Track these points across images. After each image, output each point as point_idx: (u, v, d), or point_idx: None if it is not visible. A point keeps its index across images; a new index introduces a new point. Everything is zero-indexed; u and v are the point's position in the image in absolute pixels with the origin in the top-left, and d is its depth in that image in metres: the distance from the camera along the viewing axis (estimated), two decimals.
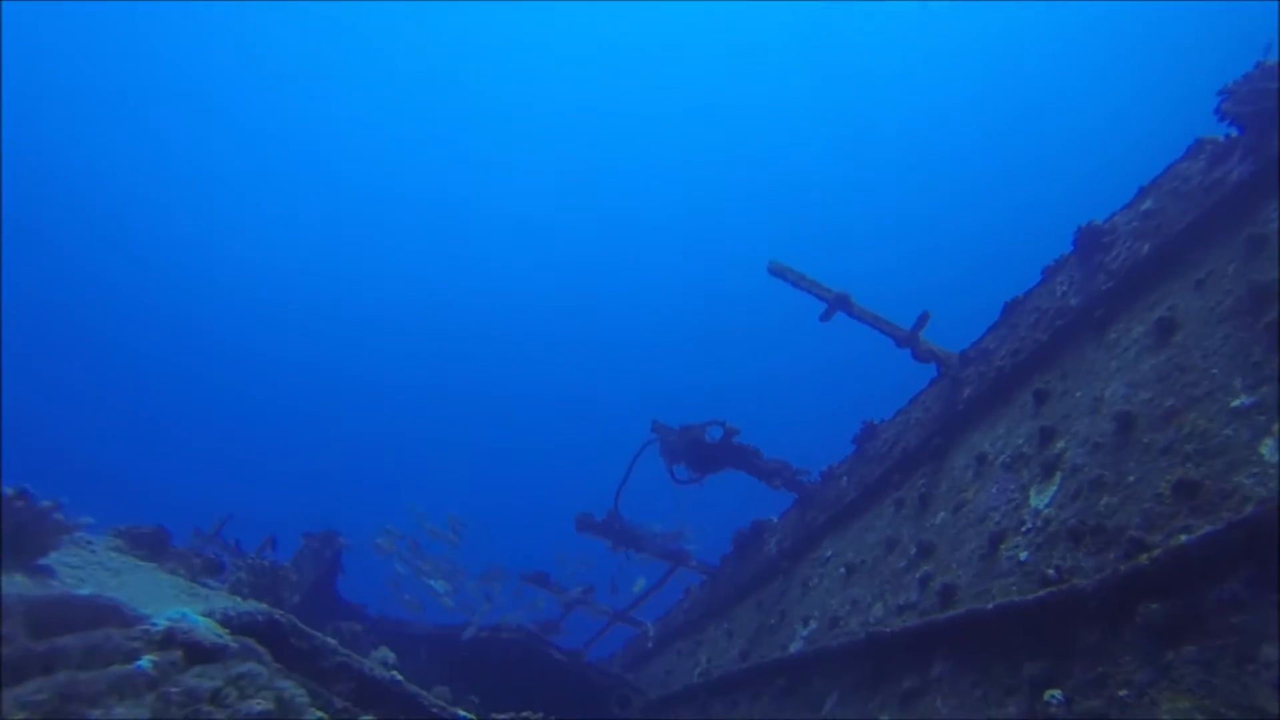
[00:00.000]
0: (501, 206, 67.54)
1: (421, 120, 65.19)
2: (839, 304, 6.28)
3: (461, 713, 3.75)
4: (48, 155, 57.17)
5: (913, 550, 5.52)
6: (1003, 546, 4.36)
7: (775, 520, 9.05)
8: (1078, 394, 4.40)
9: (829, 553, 7.24)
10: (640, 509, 10.64)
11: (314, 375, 66.06)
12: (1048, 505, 4.10)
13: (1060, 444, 4.31)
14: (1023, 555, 4.08)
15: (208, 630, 1.83)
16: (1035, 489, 4.33)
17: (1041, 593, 3.54)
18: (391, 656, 3.80)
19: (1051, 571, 3.66)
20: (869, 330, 6.92)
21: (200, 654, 1.72)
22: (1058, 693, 3.28)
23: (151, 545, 3.46)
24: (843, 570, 6.58)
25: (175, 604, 2.53)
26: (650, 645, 10.93)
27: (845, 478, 7.72)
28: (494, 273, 68.45)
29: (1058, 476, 4.16)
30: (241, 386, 64.68)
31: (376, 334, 67.36)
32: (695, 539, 11.71)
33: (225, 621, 2.86)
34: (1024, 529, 4.22)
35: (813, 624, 6.54)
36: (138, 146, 60.06)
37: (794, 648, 6.57)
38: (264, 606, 3.51)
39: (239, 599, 3.88)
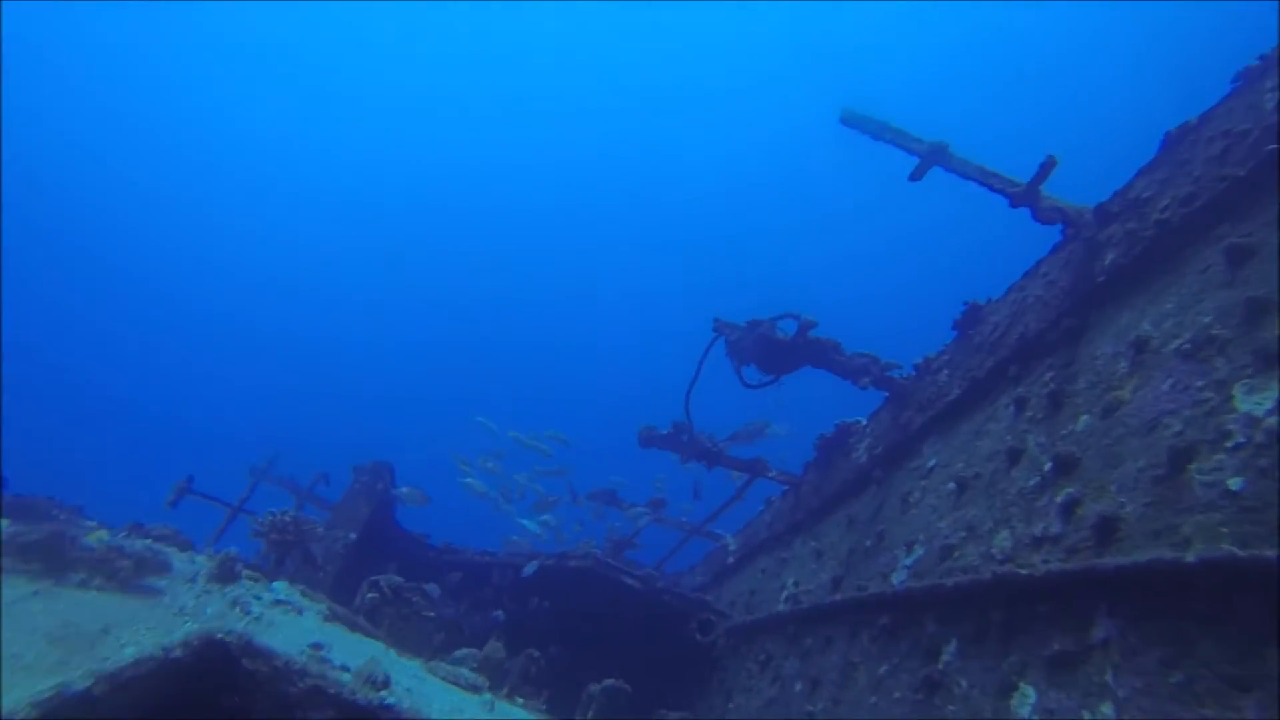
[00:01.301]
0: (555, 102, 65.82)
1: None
2: (934, 157, 4.92)
3: None
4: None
5: (1047, 465, 4.36)
6: (1193, 467, 3.16)
7: (864, 422, 7.95)
8: None
9: (931, 462, 6.13)
10: (713, 420, 9.70)
11: (363, 313, 67.16)
12: (1271, 412, 2.87)
13: None
14: (1234, 483, 2.89)
15: None
16: (1244, 387, 3.08)
17: None
18: (380, 673, 2.94)
19: None
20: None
21: None
22: None
23: (46, 556, 2.67)
24: (951, 485, 5.47)
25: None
26: (731, 561, 10.19)
27: (946, 371, 6.52)
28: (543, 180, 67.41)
29: None
30: (285, 327, 66.34)
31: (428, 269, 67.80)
32: (785, 432, 10.71)
33: (103, 684, 1.98)
34: (1230, 444, 3.01)
35: (918, 550, 5.51)
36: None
37: (897, 579, 5.58)
38: (203, 627, 2.67)
39: (195, 604, 3.06)
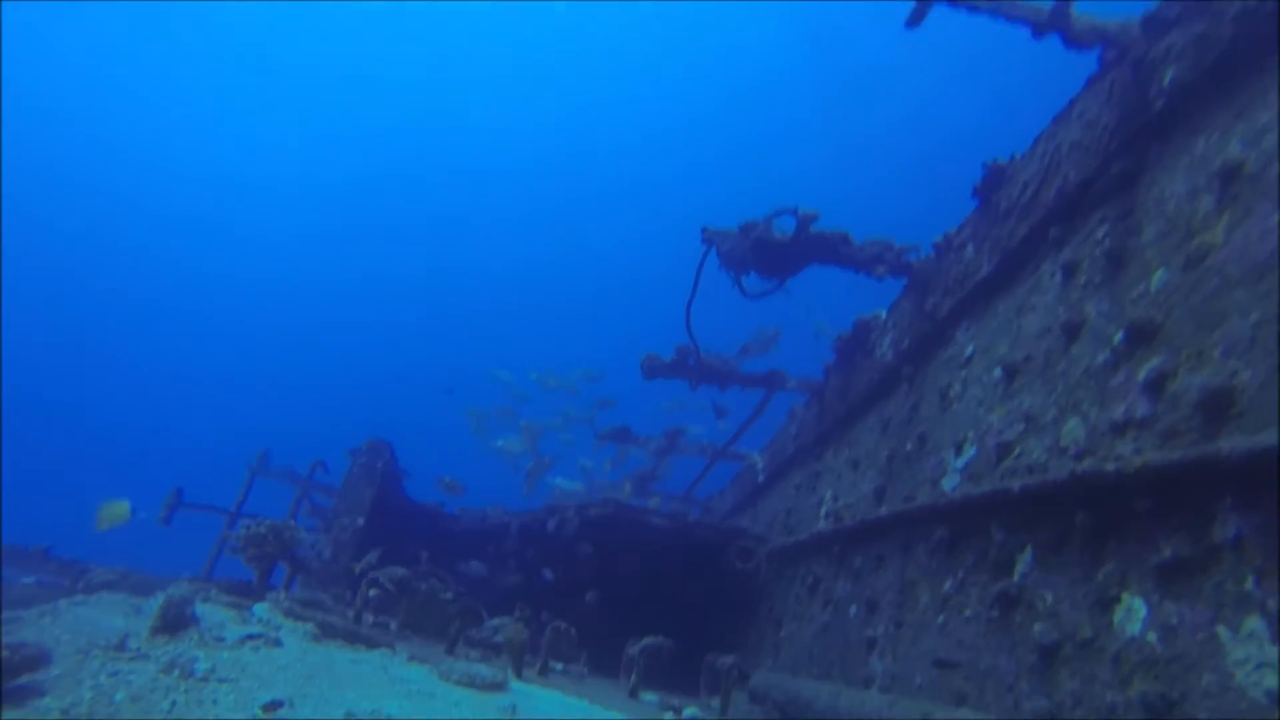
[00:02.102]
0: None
1: None
2: None
3: None
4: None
5: (1117, 336, 3.70)
6: None
7: (883, 315, 7.28)
8: None
9: (969, 349, 5.48)
10: (729, 333, 9.03)
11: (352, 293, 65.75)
12: None
13: None
14: None
15: None
16: None
17: None
18: None
19: None
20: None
21: None
22: None
23: None
24: (998, 373, 4.83)
25: None
26: (761, 480, 9.68)
27: (971, 246, 5.80)
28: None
29: None
30: (273, 319, 65.08)
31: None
32: (830, 329, 10.09)
33: None
34: None
35: (970, 450, 4.91)
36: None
37: (949, 484, 5.00)
38: None
39: (102, 686, 2.47)
